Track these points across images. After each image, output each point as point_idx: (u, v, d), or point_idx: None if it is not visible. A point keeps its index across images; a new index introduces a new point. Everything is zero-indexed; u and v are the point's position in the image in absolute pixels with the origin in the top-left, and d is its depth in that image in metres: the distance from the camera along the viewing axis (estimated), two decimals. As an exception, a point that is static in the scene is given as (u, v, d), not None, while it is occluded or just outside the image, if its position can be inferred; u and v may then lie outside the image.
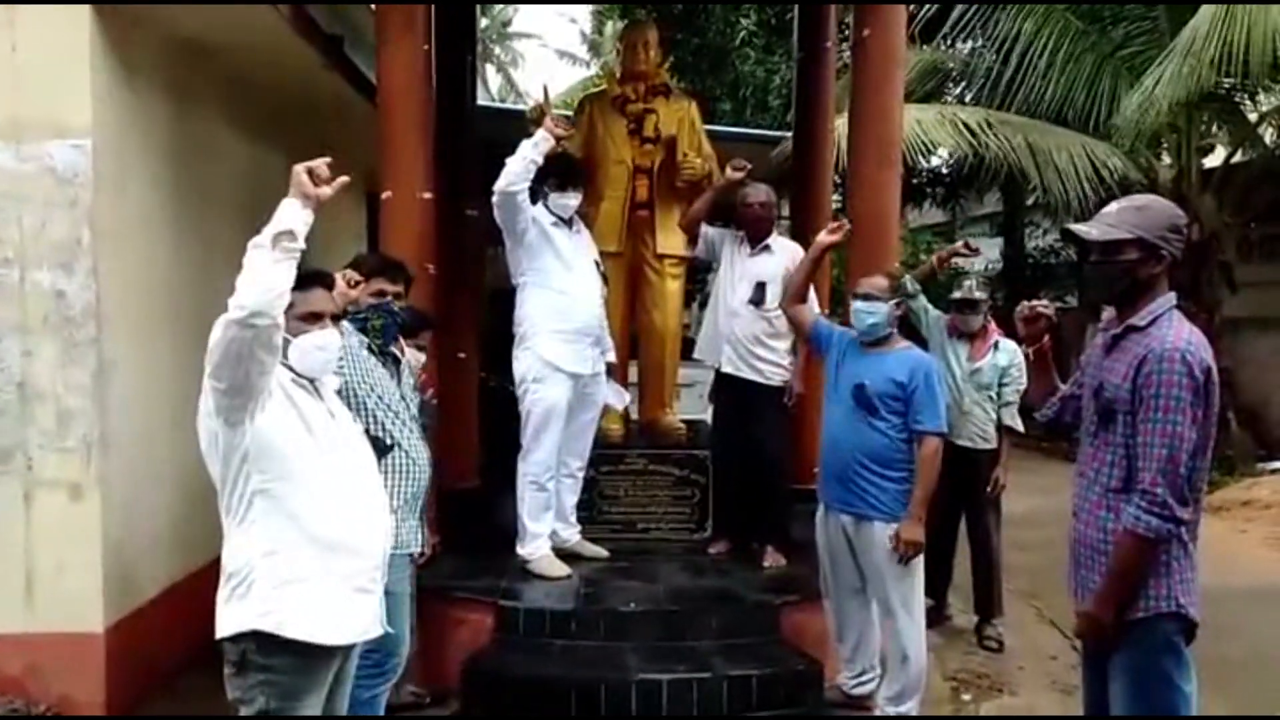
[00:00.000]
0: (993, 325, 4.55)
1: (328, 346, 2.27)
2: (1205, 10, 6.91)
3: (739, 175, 4.15)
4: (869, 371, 3.32)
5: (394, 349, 3.09)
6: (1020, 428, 4.51)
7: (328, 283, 2.36)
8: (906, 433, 3.28)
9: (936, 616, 4.65)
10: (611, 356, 4.26)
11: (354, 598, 2.19)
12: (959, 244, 4.79)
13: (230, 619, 2.11)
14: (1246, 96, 8.77)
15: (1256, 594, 5.15)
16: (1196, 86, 7.01)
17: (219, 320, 1.95)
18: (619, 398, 4.39)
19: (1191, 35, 6.97)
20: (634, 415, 5.07)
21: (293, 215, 2.00)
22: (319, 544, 2.13)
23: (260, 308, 1.91)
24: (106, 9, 3.48)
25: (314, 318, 2.23)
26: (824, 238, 3.58)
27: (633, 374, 5.03)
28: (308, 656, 2.13)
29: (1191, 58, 6.90)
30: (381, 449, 2.83)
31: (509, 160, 3.77)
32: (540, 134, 3.76)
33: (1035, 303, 2.51)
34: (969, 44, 11.34)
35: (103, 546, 3.49)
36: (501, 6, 27.11)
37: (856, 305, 3.37)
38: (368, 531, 2.24)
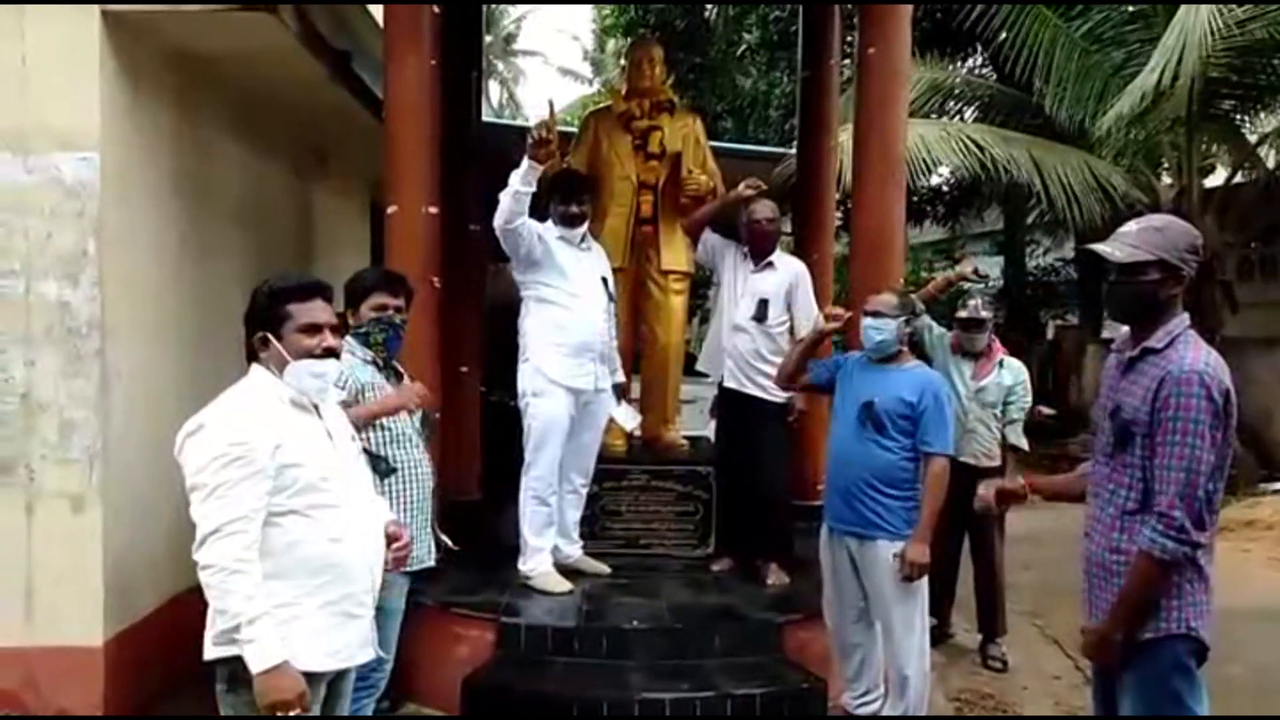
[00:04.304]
0: (997, 344, 4.55)
1: (325, 375, 2.21)
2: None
3: (750, 193, 4.17)
4: (878, 389, 3.30)
5: (396, 363, 3.10)
6: (1025, 446, 4.51)
7: (327, 294, 2.31)
8: (913, 452, 3.26)
9: (940, 635, 4.62)
10: (620, 377, 4.24)
11: (343, 623, 2.16)
12: (967, 268, 4.79)
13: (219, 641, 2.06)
14: (1246, 118, 8.83)
15: (1259, 614, 5.11)
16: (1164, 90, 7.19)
17: (200, 550, 1.99)
18: (630, 418, 4.34)
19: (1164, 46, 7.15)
20: (636, 431, 5.06)
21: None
22: (309, 568, 2.09)
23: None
24: (115, 22, 3.50)
25: (314, 329, 2.18)
26: (825, 325, 3.62)
27: (635, 389, 5.03)
28: None
29: (1164, 59, 7.07)
30: (383, 470, 2.82)
31: (501, 196, 3.73)
32: (526, 164, 3.65)
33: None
34: (969, 62, 11.44)
35: (104, 559, 3.48)
36: (505, 23, 27.31)
37: (866, 322, 3.36)
38: (360, 556, 2.19)
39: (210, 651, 2.08)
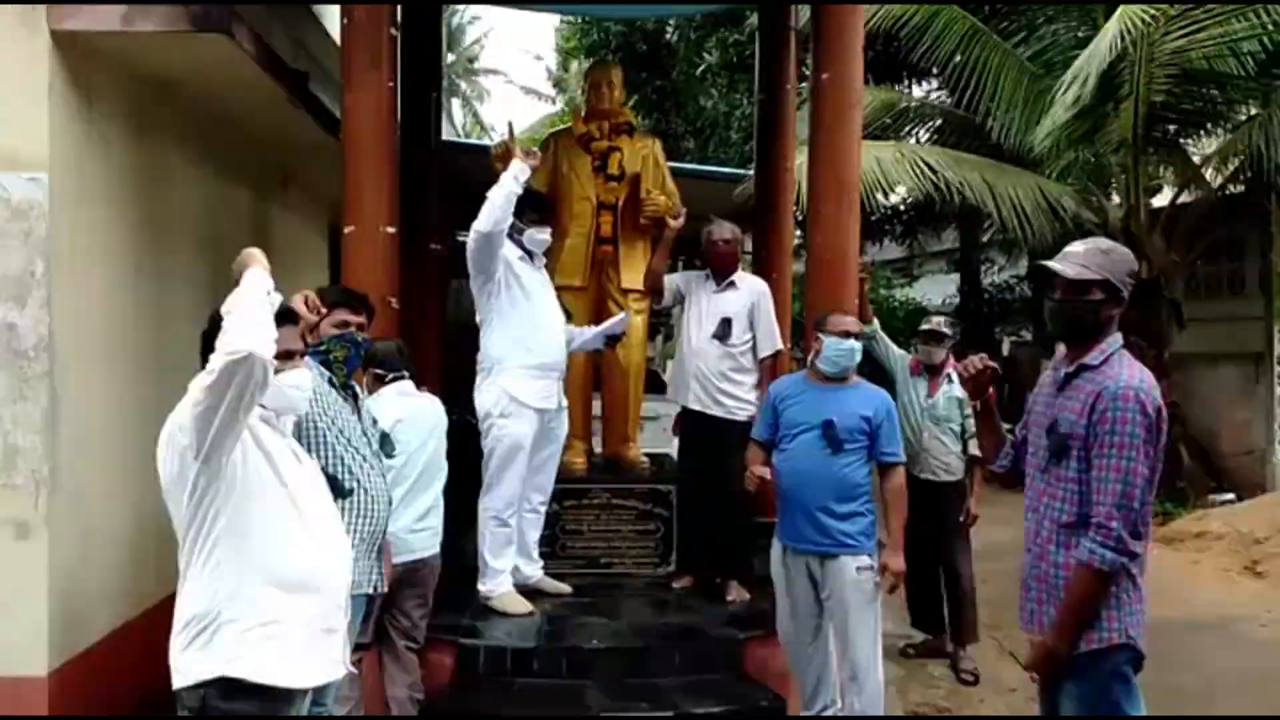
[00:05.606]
0: (951, 360, 4.64)
1: (303, 385, 2.28)
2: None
3: (678, 224, 4.43)
4: (836, 408, 3.37)
5: (354, 383, 3.06)
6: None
7: (294, 318, 2.35)
8: (866, 466, 3.36)
9: (931, 649, 4.71)
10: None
11: (322, 638, 2.16)
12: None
13: (193, 667, 2.02)
14: (1189, 140, 9.12)
15: (1209, 625, 5.23)
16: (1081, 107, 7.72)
17: (215, 364, 1.90)
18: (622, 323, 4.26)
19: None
20: (597, 449, 5.06)
21: (265, 280, 2.06)
22: (287, 586, 2.09)
23: (260, 349, 1.91)
24: (65, 42, 3.45)
25: (287, 355, 2.20)
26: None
27: (596, 408, 5.04)
28: (273, 700, 2.06)
29: (1076, 85, 7.52)
30: (340, 491, 2.76)
31: (491, 194, 3.71)
32: (516, 164, 3.75)
33: (980, 358, 2.52)
34: (924, 85, 11.68)
35: (49, 587, 3.38)
36: (467, 43, 27.34)
37: (848, 344, 3.42)
38: (332, 571, 2.21)
39: (186, 677, 2.02)
